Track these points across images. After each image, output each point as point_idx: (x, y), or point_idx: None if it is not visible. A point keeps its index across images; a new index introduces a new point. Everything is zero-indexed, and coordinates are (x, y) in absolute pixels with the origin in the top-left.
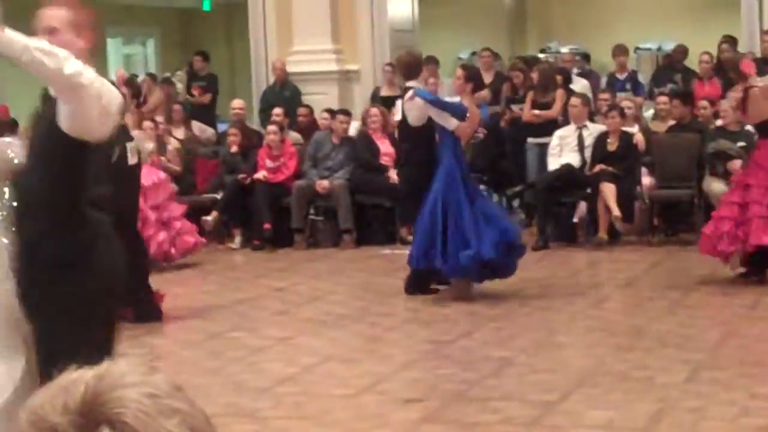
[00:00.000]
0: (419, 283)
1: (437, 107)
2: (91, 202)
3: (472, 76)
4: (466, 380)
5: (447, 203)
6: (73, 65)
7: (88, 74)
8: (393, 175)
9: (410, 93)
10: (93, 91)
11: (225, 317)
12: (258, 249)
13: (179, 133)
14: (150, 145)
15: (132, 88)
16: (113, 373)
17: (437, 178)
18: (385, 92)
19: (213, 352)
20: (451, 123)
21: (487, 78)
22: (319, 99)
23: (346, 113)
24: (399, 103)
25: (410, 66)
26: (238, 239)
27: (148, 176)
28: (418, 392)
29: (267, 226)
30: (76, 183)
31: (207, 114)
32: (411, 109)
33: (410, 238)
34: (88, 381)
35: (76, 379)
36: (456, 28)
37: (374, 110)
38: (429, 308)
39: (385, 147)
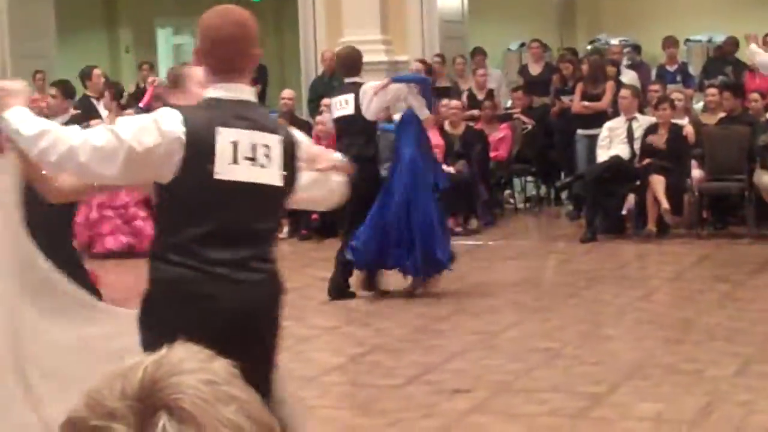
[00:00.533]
0: (371, 281)
1: (423, 93)
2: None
3: (430, 71)
4: (513, 371)
5: (414, 200)
6: (41, 144)
7: (59, 148)
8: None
9: (383, 81)
10: (73, 165)
11: None
12: (305, 239)
13: None
14: None
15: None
16: (171, 360)
17: (401, 172)
18: (434, 83)
19: None
20: (424, 113)
21: (537, 69)
22: (367, 89)
23: None
24: (343, 98)
25: (350, 60)
26: (285, 229)
27: None
28: (465, 383)
29: (314, 216)
30: (159, 228)
31: None
32: (380, 98)
33: (458, 229)
34: (147, 367)
35: (135, 365)
36: (505, 20)
37: None
38: (476, 299)
39: (435, 138)
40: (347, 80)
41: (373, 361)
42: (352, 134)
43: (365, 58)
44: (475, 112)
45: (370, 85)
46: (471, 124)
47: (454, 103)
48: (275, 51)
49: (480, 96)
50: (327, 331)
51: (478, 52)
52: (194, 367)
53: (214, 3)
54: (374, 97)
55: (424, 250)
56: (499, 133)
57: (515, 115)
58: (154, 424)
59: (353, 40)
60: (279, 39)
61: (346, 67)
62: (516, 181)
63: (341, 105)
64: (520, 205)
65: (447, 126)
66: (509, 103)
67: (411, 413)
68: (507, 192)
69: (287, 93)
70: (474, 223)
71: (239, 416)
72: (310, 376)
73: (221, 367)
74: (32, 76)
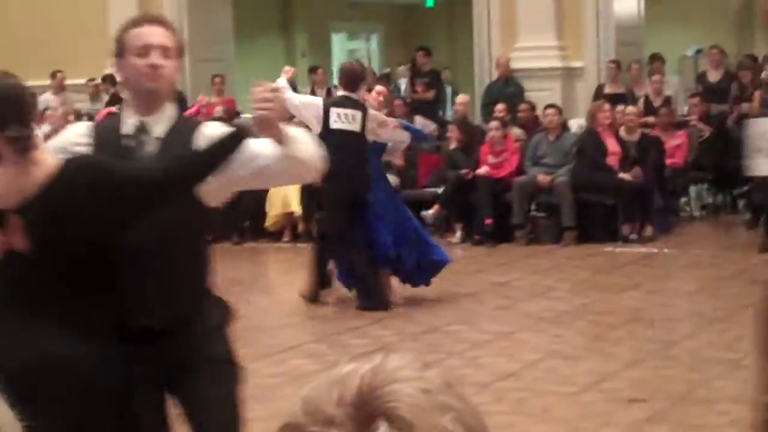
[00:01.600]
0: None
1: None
2: None
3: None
4: (691, 381)
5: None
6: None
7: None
8: (622, 174)
9: (392, 121)
10: None
11: (445, 311)
12: (478, 244)
13: None
14: None
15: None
16: (387, 367)
17: (379, 189)
18: (609, 89)
19: (434, 345)
20: (397, 153)
21: (716, 76)
22: (542, 96)
23: (552, 106)
24: (347, 112)
25: (353, 75)
26: (458, 234)
27: None
28: (642, 392)
29: (488, 221)
30: None
31: (431, 109)
32: (384, 133)
33: (633, 236)
34: (364, 374)
35: (352, 372)
36: (682, 25)
37: (606, 106)
38: (652, 307)
39: (612, 146)
40: (345, 94)
41: (549, 368)
42: (351, 150)
43: (540, 64)
44: (651, 118)
45: (376, 113)
46: (647, 130)
47: (631, 109)
48: (447, 56)
49: (656, 102)
50: (501, 336)
51: (656, 59)
52: (410, 376)
53: (388, 9)
54: (377, 127)
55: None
56: (675, 140)
57: (692, 123)
58: (373, 431)
59: (528, 45)
60: (451, 44)
61: (351, 81)
62: (692, 189)
63: (345, 119)
64: (696, 213)
65: (622, 132)
66: (686, 110)
67: (588, 422)
68: (683, 200)
69: (461, 98)
70: (649, 231)
71: (457, 426)
72: (484, 382)
73: (436, 375)
74: (211, 80)
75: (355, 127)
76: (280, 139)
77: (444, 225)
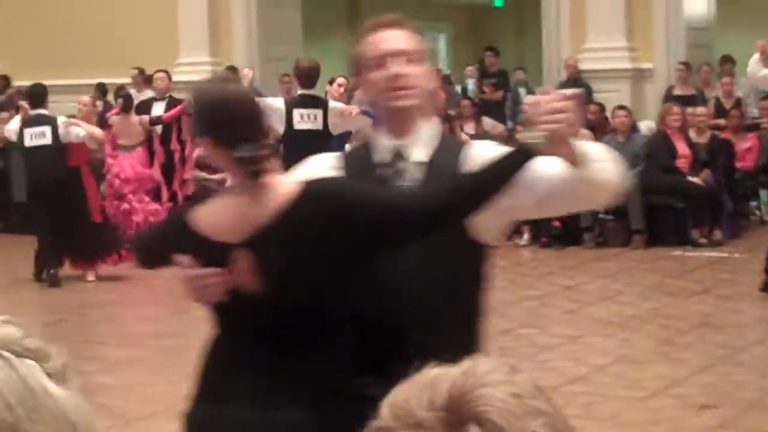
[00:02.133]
0: None
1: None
2: None
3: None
4: (763, 388)
5: None
6: None
7: None
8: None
9: (352, 108)
10: None
11: (514, 314)
12: (546, 246)
13: (470, 128)
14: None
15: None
16: (478, 371)
17: None
18: (678, 91)
19: (503, 348)
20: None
21: None
22: (611, 97)
23: (622, 108)
24: (308, 112)
25: (313, 72)
26: (526, 236)
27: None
28: (712, 398)
29: (556, 223)
30: None
31: (498, 110)
32: (348, 122)
33: (702, 240)
34: (455, 378)
35: (441, 376)
36: (753, 27)
37: (676, 109)
38: (721, 313)
39: (682, 149)
40: (304, 92)
41: (618, 373)
42: (316, 148)
43: (609, 65)
44: (722, 121)
45: (336, 105)
46: (717, 132)
47: (700, 110)
48: (515, 56)
49: (727, 105)
50: (570, 340)
51: (726, 60)
52: (501, 380)
53: (456, 9)
54: (341, 118)
55: None
56: (746, 143)
57: (763, 125)
58: None
59: (597, 46)
60: (519, 44)
61: (309, 79)
62: (762, 193)
63: (308, 119)
64: (766, 218)
65: (692, 134)
66: (757, 113)
67: (657, 427)
68: (753, 203)
69: (530, 99)
70: (718, 235)
71: (547, 431)
72: (553, 386)
73: (525, 380)
74: (279, 80)
75: (318, 125)
76: (572, 157)
77: (512, 227)
